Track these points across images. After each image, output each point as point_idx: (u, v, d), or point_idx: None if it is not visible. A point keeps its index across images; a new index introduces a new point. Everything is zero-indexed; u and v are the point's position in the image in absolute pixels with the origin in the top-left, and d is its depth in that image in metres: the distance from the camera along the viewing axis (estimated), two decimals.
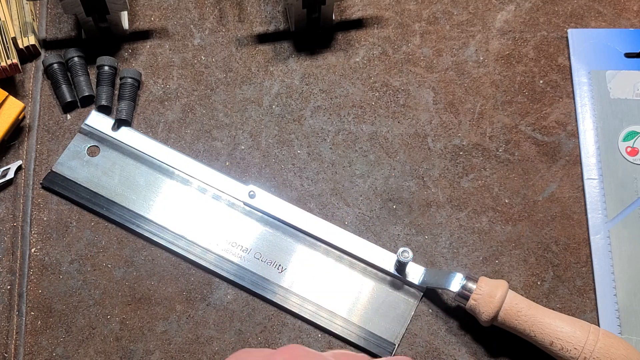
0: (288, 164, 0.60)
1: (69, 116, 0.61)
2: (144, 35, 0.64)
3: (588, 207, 0.57)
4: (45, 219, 0.58)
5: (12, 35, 0.61)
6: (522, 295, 0.53)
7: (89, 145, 0.60)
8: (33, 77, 0.63)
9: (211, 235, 0.57)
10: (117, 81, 0.62)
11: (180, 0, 0.66)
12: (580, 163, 0.59)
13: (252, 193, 0.58)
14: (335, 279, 0.56)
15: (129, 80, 0.61)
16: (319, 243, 0.57)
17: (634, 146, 0.57)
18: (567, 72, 0.63)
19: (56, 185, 0.58)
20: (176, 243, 0.57)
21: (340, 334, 0.54)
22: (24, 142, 0.60)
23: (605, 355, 0.48)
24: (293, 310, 0.55)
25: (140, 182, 0.59)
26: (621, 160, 0.57)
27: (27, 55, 0.62)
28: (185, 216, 0.58)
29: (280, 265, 0.56)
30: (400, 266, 0.55)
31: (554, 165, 0.60)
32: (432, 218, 0.58)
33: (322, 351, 0.42)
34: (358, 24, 0.65)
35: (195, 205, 0.58)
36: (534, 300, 0.53)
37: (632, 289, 0.54)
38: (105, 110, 0.61)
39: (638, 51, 0.61)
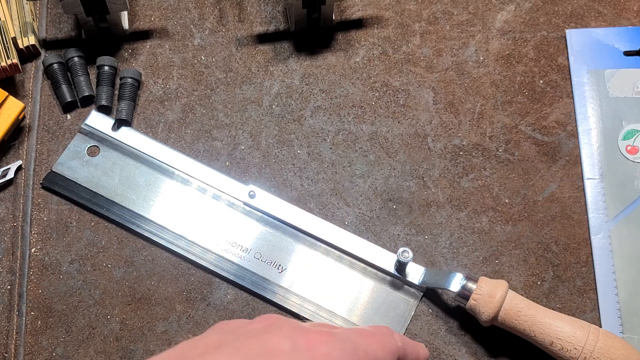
0: (288, 164, 0.60)
1: (69, 116, 0.61)
2: (144, 35, 0.64)
3: (589, 206, 0.57)
4: (45, 219, 0.58)
5: (12, 35, 0.61)
6: (522, 295, 0.53)
7: (89, 145, 0.60)
8: (33, 77, 0.63)
9: (211, 235, 0.57)
10: (117, 81, 0.62)
11: (180, 0, 0.66)
12: (580, 163, 0.59)
13: (252, 193, 0.58)
14: (335, 279, 0.56)
15: (129, 80, 0.61)
16: (319, 243, 0.57)
17: (634, 145, 0.57)
18: (566, 72, 0.63)
19: (56, 185, 0.58)
20: (176, 243, 0.57)
21: None
22: (24, 142, 0.60)
23: (605, 355, 0.48)
24: (293, 310, 0.55)
25: (140, 182, 0.59)
26: (621, 159, 0.57)
27: (27, 55, 0.62)
28: (185, 216, 0.58)
29: (280, 265, 0.56)
30: (400, 266, 0.55)
31: (554, 165, 0.60)
32: (432, 218, 0.58)
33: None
34: (358, 24, 0.65)
35: (195, 205, 0.58)
36: (534, 300, 0.53)
37: (634, 288, 0.54)
38: (105, 110, 0.61)
39: (637, 49, 0.61)
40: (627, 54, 0.62)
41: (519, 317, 0.50)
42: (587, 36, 0.63)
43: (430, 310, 0.55)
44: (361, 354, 0.35)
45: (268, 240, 0.57)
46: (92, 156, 0.60)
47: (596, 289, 0.55)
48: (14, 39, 0.61)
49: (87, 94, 0.61)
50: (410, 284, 0.56)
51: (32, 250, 0.57)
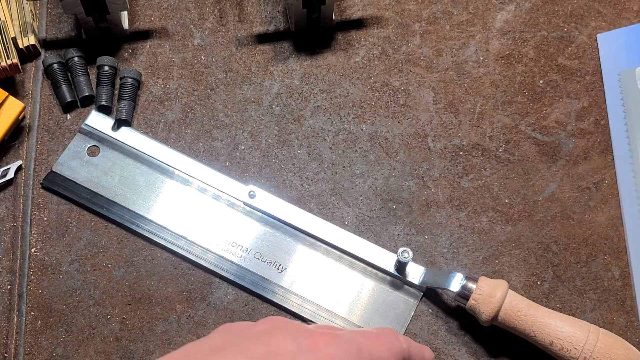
0: (288, 164, 0.60)
1: (69, 116, 0.61)
2: (144, 35, 0.64)
3: (624, 209, 0.57)
4: (45, 219, 0.58)
5: (12, 35, 0.61)
6: (522, 295, 0.53)
7: (89, 145, 0.60)
8: (33, 77, 0.63)
9: (211, 235, 0.57)
10: (117, 81, 0.62)
11: (180, 0, 0.66)
12: (614, 164, 0.58)
13: (252, 193, 0.58)
14: (335, 279, 0.56)
15: (129, 80, 0.61)
16: (319, 243, 0.57)
17: None
18: (566, 72, 0.63)
19: (56, 185, 0.58)
20: (176, 243, 0.57)
21: None
22: (24, 142, 0.60)
23: (605, 355, 0.48)
24: (293, 310, 0.55)
25: (140, 182, 0.59)
26: None
27: (27, 55, 0.62)
28: (185, 216, 0.58)
29: (280, 265, 0.56)
30: (400, 266, 0.55)
31: (554, 165, 0.60)
32: (432, 218, 0.58)
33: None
34: (358, 24, 0.65)
35: (195, 205, 0.58)
36: (534, 300, 0.53)
37: None
38: (105, 110, 0.61)
39: None
40: None
41: (519, 317, 0.50)
42: (616, 37, 0.62)
43: (430, 310, 0.55)
44: (365, 356, 0.35)
45: (268, 240, 0.57)
46: (92, 156, 0.60)
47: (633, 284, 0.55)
48: (14, 39, 0.61)
49: (87, 94, 0.61)
50: (410, 284, 0.56)
51: (32, 250, 0.57)
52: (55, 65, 0.61)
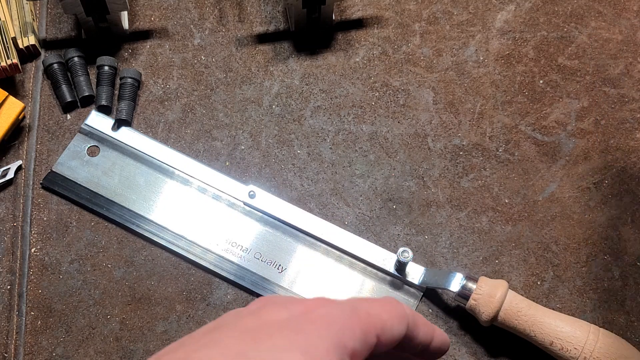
0: (288, 164, 0.60)
1: (69, 116, 0.61)
2: (144, 35, 0.64)
3: None
4: (45, 219, 0.58)
5: (12, 35, 0.61)
6: (522, 295, 0.53)
7: (89, 145, 0.60)
8: (33, 77, 0.63)
9: (211, 235, 0.57)
10: (117, 81, 0.62)
11: (180, 0, 0.66)
12: None
13: (252, 193, 0.58)
14: (335, 279, 0.56)
15: (129, 80, 0.61)
16: (319, 243, 0.57)
17: None
18: (566, 72, 0.63)
19: (56, 185, 0.58)
20: (176, 243, 0.57)
21: None
22: (24, 142, 0.60)
23: (605, 355, 0.48)
24: None
25: (140, 182, 0.59)
26: None
27: (27, 55, 0.62)
28: (185, 216, 0.58)
29: (280, 265, 0.56)
30: (400, 266, 0.55)
31: (554, 165, 0.60)
32: (432, 218, 0.58)
33: None
34: (358, 24, 0.65)
35: (195, 205, 0.58)
36: (534, 300, 0.53)
37: None
38: (105, 110, 0.61)
39: None
40: None
41: (519, 317, 0.50)
42: None
43: (430, 310, 0.55)
44: (363, 314, 0.33)
45: (268, 240, 0.57)
46: (92, 156, 0.60)
47: None
48: (14, 39, 0.61)
49: (87, 94, 0.61)
50: (410, 284, 0.55)
51: (32, 250, 0.57)
52: (55, 65, 0.61)
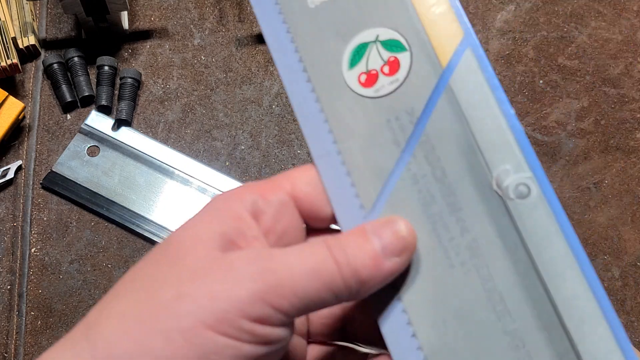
0: (288, 164, 0.60)
1: (69, 116, 0.61)
2: (144, 35, 0.64)
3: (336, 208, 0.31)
4: (45, 219, 0.58)
5: (12, 35, 0.61)
6: None
7: (88, 145, 0.60)
8: (33, 77, 0.63)
9: None
10: (117, 81, 0.62)
11: (180, 0, 0.66)
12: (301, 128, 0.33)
13: None
14: None
15: (129, 80, 0.61)
16: None
17: (370, 68, 0.30)
18: (566, 72, 0.63)
19: (56, 185, 0.58)
20: None
21: None
22: (24, 142, 0.60)
23: None
24: None
25: (140, 182, 0.59)
26: (354, 99, 0.30)
27: (27, 55, 0.62)
28: (186, 216, 0.58)
29: None
30: None
31: (554, 165, 0.60)
32: None
33: None
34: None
35: (195, 206, 0.58)
36: None
37: None
38: (105, 110, 0.61)
39: None
40: None
41: None
42: None
43: None
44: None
45: None
46: (92, 156, 0.60)
47: None
48: (14, 39, 0.61)
49: (87, 94, 0.61)
50: None
51: (32, 250, 0.57)
52: (55, 65, 0.61)
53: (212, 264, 0.26)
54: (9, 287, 0.56)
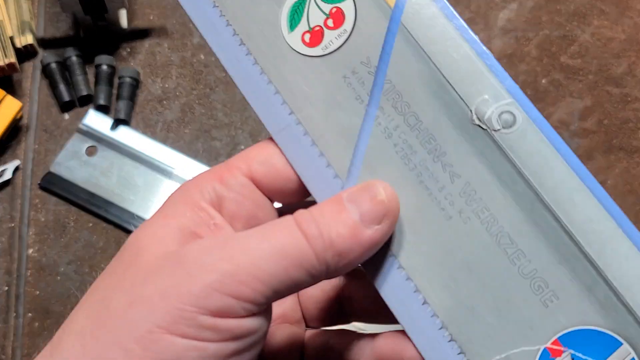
0: None
1: (67, 116, 0.61)
2: (142, 34, 0.64)
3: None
4: (42, 219, 0.58)
5: (10, 34, 0.60)
6: None
7: (87, 145, 0.60)
8: (31, 76, 0.62)
9: None
10: (116, 80, 0.62)
11: None
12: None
13: None
14: None
15: (128, 79, 0.60)
16: None
17: (313, 25, 0.28)
18: (569, 71, 0.62)
19: (54, 186, 0.58)
20: None
21: None
22: (21, 142, 0.60)
23: None
24: None
25: (138, 182, 0.58)
26: (303, 62, 0.28)
27: (24, 54, 0.62)
28: None
29: None
30: None
31: None
32: None
33: None
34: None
35: None
36: None
37: None
38: (104, 109, 0.61)
39: None
40: None
41: None
42: None
43: None
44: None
45: None
46: (90, 156, 0.59)
47: None
48: (12, 38, 0.61)
49: (85, 93, 0.61)
50: None
51: (30, 251, 0.57)
52: (53, 65, 0.61)
53: (165, 261, 0.24)
54: (6, 288, 0.56)
